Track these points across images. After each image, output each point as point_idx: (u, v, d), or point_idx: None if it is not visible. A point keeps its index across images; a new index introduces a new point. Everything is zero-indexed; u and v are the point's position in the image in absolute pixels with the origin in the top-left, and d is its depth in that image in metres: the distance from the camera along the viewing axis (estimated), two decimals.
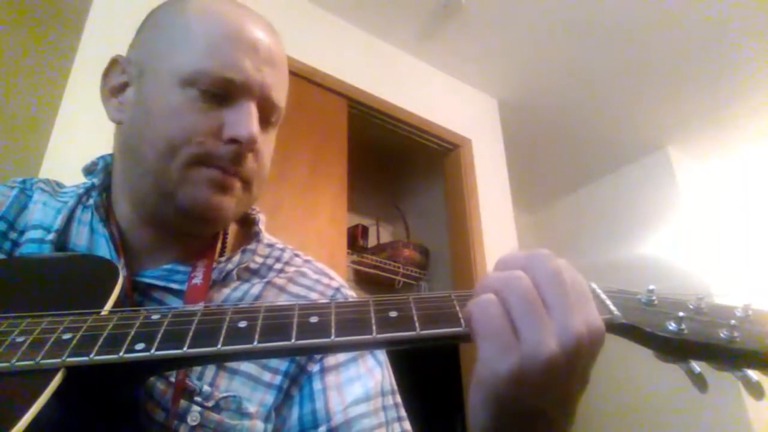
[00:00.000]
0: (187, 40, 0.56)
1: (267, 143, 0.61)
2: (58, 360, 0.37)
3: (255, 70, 0.56)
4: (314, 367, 0.58)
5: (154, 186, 0.56)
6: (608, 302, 0.40)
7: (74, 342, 0.39)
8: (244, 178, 0.58)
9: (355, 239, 2.79)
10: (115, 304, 0.47)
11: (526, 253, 0.38)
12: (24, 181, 0.64)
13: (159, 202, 0.56)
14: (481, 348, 0.35)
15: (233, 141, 0.55)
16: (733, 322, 0.36)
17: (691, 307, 0.39)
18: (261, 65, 0.57)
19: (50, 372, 0.37)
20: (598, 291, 0.41)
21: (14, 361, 0.37)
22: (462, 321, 0.38)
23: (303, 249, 0.71)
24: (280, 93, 0.60)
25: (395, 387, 0.62)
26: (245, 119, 0.55)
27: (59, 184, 0.66)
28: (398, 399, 0.61)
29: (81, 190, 0.62)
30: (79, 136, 1.50)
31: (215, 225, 0.59)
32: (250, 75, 0.56)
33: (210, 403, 0.51)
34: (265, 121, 0.59)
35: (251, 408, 0.53)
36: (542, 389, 0.34)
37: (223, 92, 0.55)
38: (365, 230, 2.92)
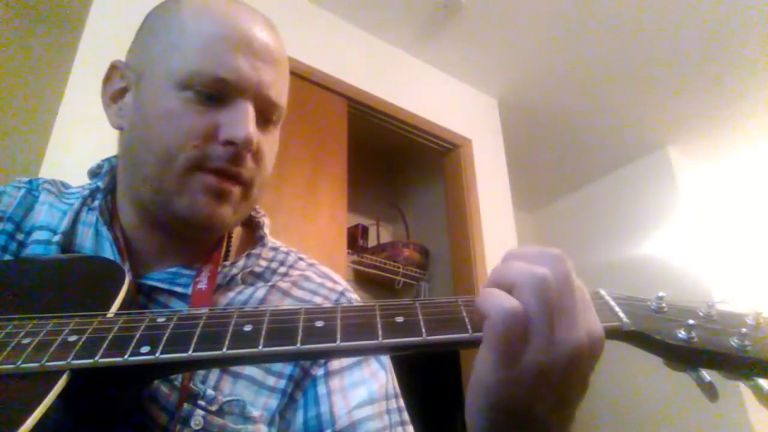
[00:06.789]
0: (181, 41, 0.55)
1: (269, 144, 0.59)
2: (64, 362, 0.37)
3: (250, 69, 0.55)
4: (318, 371, 0.58)
5: (153, 193, 0.55)
6: (617, 309, 0.39)
7: (80, 344, 0.38)
8: (244, 181, 0.56)
9: (355, 239, 2.78)
10: (121, 307, 0.47)
11: (539, 250, 0.36)
12: (30, 182, 0.63)
13: (158, 208, 0.56)
14: (485, 351, 0.34)
15: (229, 143, 0.53)
16: (744, 330, 0.35)
17: (701, 314, 0.39)
18: (257, 63, 0.55)
19: (55, 374, 0.36)
20: (607, 297, 0.41)
21: (20, 362, 0.37)
22: (467, 321, 0.37)
23: (303, 249, 0.71)
24: (279, 91, 0.59)
25: (398, 391, 0.61)
26: (241, 120, 0.53)
27: (65, 185, 0.66)
28: (401, 403, 0.61)
29: (86, 192, 0.62)
30: (79, 138, 1.50)
31: (213, 233, 0.59)
32: (245, 73, 0.54)
33: (213, 407, 0.50)
34: (264, 121, 0.58)
35: (255, 412, 0.52)
36: (541, 394, 0.34)
37: (218, 93, 0.54)
38: (365, 230, 2.91)
